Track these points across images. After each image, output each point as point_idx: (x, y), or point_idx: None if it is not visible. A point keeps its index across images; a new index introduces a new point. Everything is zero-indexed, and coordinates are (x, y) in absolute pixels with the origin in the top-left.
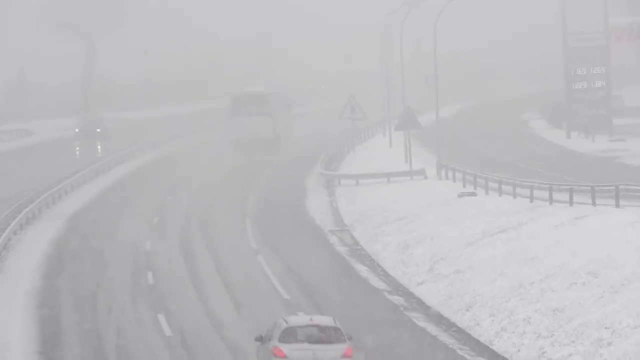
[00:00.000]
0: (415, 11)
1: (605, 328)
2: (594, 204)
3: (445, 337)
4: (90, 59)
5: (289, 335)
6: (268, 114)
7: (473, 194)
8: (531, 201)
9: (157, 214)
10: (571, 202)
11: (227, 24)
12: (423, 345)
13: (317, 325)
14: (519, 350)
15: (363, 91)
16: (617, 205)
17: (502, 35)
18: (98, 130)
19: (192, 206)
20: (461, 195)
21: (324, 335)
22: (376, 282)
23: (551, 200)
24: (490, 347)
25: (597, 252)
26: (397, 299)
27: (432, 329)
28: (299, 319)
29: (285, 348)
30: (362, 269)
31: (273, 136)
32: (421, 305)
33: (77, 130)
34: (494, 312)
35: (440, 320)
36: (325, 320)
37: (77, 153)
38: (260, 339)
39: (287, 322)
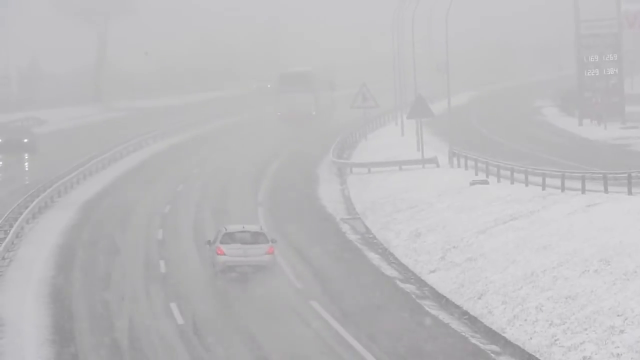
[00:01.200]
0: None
1: (618, 315)
2: (606, 191)
3: (457, 325)
4: (103, 46)
5: (227, 238)
6: (310, 91)
7: (485, 182)
8: (543, 189)
9: (169, 203)
10: (583, 190)
11: (238, 10)
12: (435, 333)
13: (248, 231)
14: (531, 338)
15: (375, 79)
16: (630, 193)
17: (515, 25)
18: (25, 140)
19: (204, 195)
20: (473, 183)
21: (253, 238)
22: (388, 271)
23: (563, 187)
24: (503, 334)
25: (609, 240)
26: (409, 287)
27: (444, 316)
28: (235, 227)
29: (224, 247)
30: (374, 257)
31: (315, 111)
32: (433, 293)
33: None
34: (506, 300)
35: (453, 308)
36: (254, 228)
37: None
38: (209, 243)
39: (226, 229)
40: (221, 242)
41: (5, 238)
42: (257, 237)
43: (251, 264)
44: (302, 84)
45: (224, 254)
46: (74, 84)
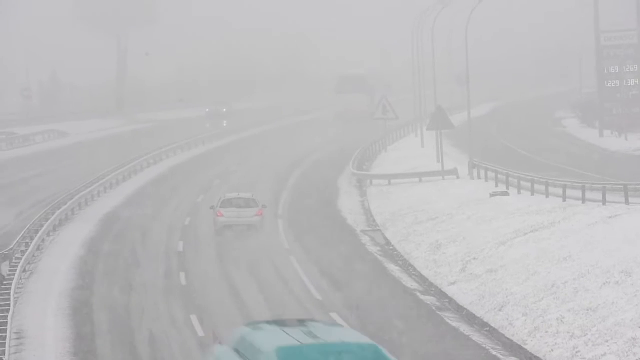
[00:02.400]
0: (448, 10)
1: None
2: (627, 202)
3: (478, 337)
4: (123, 58)
5: (226, 203)
6: (366, 92)
7: (505, 194)
8: (564, 200)
9: (190, 214)
10: (604, 201)
11: (258, 22)
12: (456, 345)
13: (242, 198)
14: (552, 350)
15: (395, 91)
16: None
17: (535, 37)
18: None
19: None
20: (493, 194)
21: (246, 203)
22: (409, 282)
23: (584, 199)
24: (524, 346)
25: (630, 251)
26: (429, 299)
27: (465, 328)
28: (232, 194)
29: (223, 211)
30: (395, 269)
31: (369, 110)
32: (454, 305)
33: None
34: (527, 311)
35: (473, 320)
36: (247, 195)
37: None
38: (212, 207)
39: (225, 197)
40: (221, 207)
41: (26, 250)
42: (249, 202)
43: (244, 223)
44: (359, 86)
45: (223, 216)
46: (95, 96)
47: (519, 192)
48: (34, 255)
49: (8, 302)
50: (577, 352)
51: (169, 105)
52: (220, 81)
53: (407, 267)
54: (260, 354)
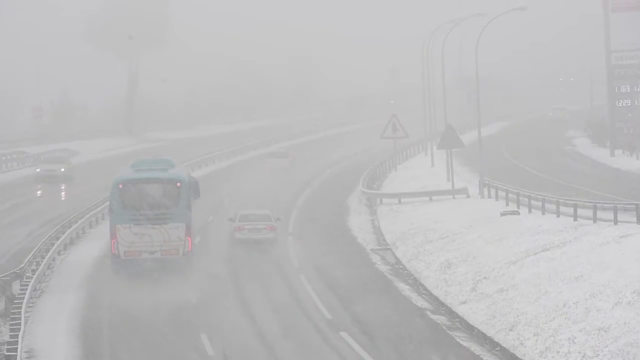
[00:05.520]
0: (457, 30)
1: None
2: (638, 222)
3: (488, 357)
4: (134, 78)
5: (267, 155)
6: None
7: (516, 213)
8: (575, 220)
9: (200, 234)
10: (615, 221)
11: (266, 47)
12: None
13: (279, 152)
14: None
15: (405, 110)
16: None
17: (545, 56)
18: None
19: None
20: (504, 213)
21: (282, 155)
22: (419, 301)
23: (595, 218)
24: None
25: None
26: (439, 318)
27: (475, 348)
28: (273, 148)
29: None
30: (405, 288)
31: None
32: (464, 325)
33: None
34: (538, 331)
35: (484, 339)
36: (282, 151)
37: None
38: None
39: (268, 151)
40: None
41: (37, 269)
42: (284, 155)
43: (280, 166)
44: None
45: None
46: (106, 116)
47: (529, 211)
48: (44, 274)
49: (19, 321)
50: None
51: (179, 124)
52: (230, 101)
53: (417, 286)
54: (128, 166)
